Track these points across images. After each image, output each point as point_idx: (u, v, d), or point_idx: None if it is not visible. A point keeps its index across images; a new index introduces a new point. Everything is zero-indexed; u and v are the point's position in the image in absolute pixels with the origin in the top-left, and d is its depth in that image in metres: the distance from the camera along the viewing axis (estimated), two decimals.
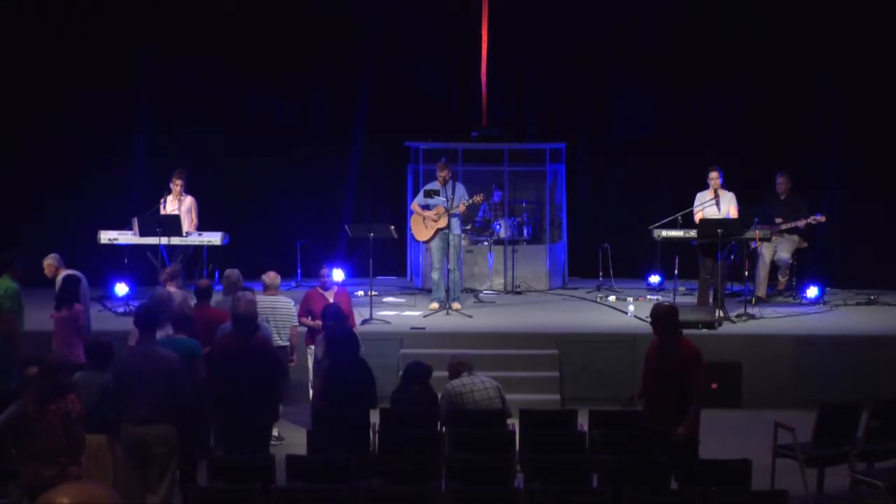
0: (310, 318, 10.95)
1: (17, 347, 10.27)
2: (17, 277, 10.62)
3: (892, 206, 15.02)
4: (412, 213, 13.85)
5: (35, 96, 15.61)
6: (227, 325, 9.16)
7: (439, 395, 9.26)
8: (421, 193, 13.76)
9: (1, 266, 10.59)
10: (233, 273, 10.59)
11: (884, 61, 15.30)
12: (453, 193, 13.40)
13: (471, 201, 13.45)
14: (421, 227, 13.60)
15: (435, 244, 13.55)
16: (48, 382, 7.35)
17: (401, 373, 11.45)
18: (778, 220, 14.12)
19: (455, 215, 13.43)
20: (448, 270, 13.49)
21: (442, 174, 13.46)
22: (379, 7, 16.32)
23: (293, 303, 10.93)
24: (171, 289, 10.58)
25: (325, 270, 11.32)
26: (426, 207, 13.54)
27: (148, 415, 7.77)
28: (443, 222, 13.42)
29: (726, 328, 12.60)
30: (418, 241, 14.22)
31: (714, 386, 12.00)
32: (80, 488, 2.85)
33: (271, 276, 10.85)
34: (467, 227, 15.12)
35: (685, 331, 12.08)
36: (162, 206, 13.46)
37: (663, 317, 8.44)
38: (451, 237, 13.46)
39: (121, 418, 7.83)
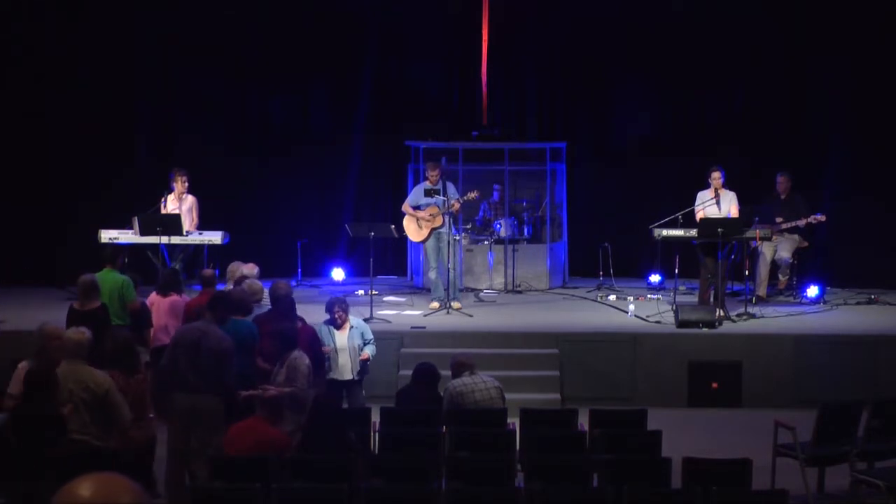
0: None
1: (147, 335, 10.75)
2: (120, 270, 10.99)
3: (892, 205, 15.01)
4: (405, 214, 13.79)
5: (35, 95, 15.59)
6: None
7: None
8: (413, 194, 13.74)
9: (106, 259, 10.99)
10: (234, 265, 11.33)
11: (884, 60, 15.29)
12: (445, 193, 13.39)
13: (465, 198, 13.45)
14: (414, 228, 13.57)
15: (430, 244, 13.53)
16: (129, 356, 8.23)
17: (400, 371, 11.52)
18: (778, 220, 14.12)
19: (451, 213, 13.39)
20: (446, 269, 13.47)
21: (433, 173, 13.43)
22: (379, 7, 16.31)
23: None
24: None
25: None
26: (417, 207, 13.52)
27: (198, 385, 8.37)
28: (438, 221, 13.40)
29: (727, 327, 12.60)
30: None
31: (714, 385, 12.02)
32: (101, 479, 2.84)
33: (249, 267, 11.28)
34: (468, 227, 15.12)
35: (686, 330, 12.31)
36: (162, 206, 13.45)
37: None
38: (446, 236, 13.43)
39: (172, 386, 8.48)
